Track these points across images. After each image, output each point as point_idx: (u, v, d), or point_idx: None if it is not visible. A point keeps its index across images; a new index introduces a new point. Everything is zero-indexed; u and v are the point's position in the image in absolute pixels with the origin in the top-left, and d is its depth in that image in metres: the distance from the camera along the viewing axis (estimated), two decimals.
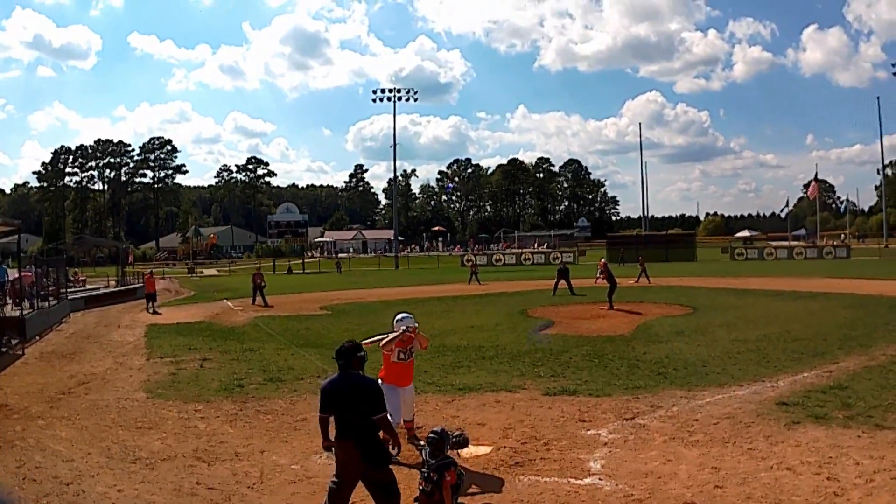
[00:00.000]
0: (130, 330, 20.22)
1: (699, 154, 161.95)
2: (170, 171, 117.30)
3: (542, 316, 20.43)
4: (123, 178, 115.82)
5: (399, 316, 8.32)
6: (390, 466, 5.81)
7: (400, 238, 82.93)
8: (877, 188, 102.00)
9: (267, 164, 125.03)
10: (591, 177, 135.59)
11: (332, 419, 5.81)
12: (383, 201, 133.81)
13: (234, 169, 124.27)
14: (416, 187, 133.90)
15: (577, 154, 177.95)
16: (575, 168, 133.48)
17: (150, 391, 11.45)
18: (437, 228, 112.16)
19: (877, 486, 6.34)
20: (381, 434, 5.80)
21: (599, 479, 6.91)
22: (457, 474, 6.26)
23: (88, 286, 36.24)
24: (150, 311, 25.40)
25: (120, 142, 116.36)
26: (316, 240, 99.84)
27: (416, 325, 8.24)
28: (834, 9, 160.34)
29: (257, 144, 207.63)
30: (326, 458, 6.74)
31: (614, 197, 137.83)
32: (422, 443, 8.29)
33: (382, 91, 72.35)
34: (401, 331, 8.04)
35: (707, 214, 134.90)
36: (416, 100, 75.55)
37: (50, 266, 25.44)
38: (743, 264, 51.22)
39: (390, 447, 5.92)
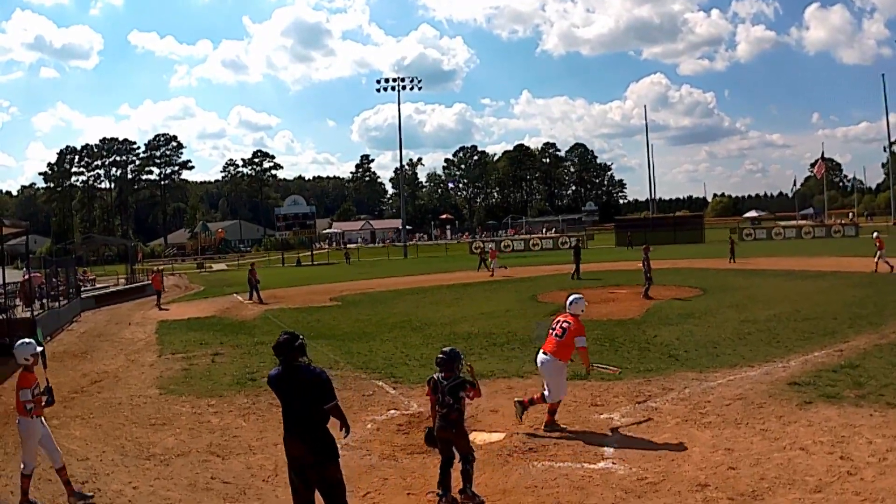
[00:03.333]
0: (141, 327, 20.35)
1: (705, 135, 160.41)
2: (176, 168, 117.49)
3: (552, 301, 20.39)
4: (130, 176, 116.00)
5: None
6: (338, 462, 5.32)
7: (408, 227, 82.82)
8: (884, 166, 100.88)
9: (273, 157, 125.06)
10: (598, 161, 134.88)
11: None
12: (390, 191, 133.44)
13: (240, 163, 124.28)
14: (422, 176, 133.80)
15: (583, 138, 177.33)
16: (581, 152, 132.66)
17: (163, 387, 11.53)
18: (444, 216, 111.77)
19: (890, 465, 6.33)
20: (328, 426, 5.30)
21: (613, 462, 6.93)
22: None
23: (98, 285, 36.45)
24: (158, 307, 25.82)
25: (125, 140, 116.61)
26: (324, 231, 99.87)
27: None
28: None
29: (262, 138, 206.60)
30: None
31: (621, 180, 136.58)
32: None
33: (386, 80, 71.98)
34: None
35: (714, 195, 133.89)
36: (420, 88, 75.65)
37: (59, 266, 25.62)
38: (751, 245, 50.88)
39: (342, 432, 5.42)
